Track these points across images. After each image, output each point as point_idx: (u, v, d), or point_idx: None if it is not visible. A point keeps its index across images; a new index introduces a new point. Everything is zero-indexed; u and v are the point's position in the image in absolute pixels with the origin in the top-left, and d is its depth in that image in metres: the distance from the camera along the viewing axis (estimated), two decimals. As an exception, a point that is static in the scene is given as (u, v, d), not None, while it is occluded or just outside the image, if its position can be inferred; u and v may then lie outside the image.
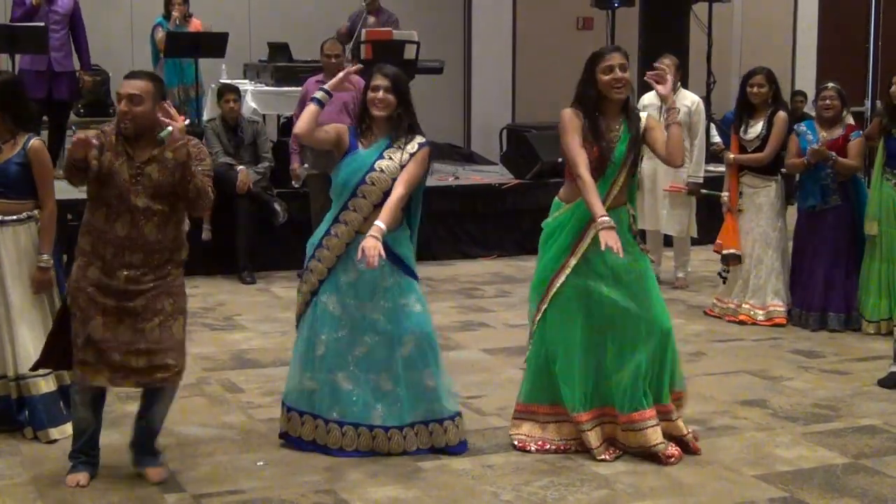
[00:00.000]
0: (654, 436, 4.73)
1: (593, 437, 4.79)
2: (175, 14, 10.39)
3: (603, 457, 4.75)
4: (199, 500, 4.35)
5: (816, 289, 7.21)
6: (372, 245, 4.47)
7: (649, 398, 4.77)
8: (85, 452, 4.56)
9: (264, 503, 4.33)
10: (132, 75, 4.44)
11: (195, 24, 10.54)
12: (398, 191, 4.67)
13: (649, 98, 8.23)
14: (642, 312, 4.76)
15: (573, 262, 4.76)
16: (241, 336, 6.98)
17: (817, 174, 7.18)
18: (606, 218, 4.58)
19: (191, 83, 10.44)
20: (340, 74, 4.86)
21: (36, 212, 5.00)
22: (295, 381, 4.93)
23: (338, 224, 4.77)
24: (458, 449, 4.89)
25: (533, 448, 4.87)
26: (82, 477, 4.49)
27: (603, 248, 4.54)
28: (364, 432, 4.80)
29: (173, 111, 4.36)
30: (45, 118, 9.80)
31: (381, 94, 4.74)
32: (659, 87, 4.84)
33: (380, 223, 4.55)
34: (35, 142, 4.94)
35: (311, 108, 4.78)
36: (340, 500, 4.35)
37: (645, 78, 4.93)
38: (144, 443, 4.60)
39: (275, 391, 5.79)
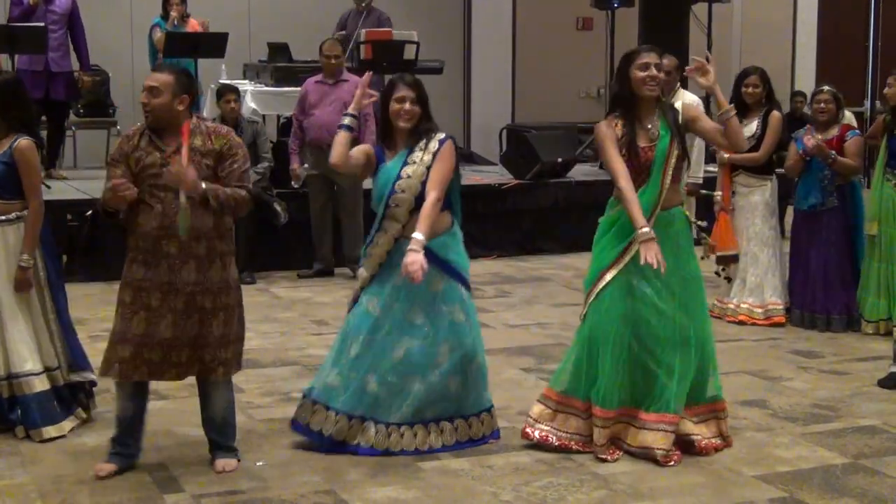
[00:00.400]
0: (663, 440, 4.73)
1: (602, 436, 4.78)
2: (173, 14, 10.39)
3: (604, 456, 4.75)
4: (198, 500, 4.35)
5: (816, 290, 7.22)
6: (412, 260, 4.54)
7: (676, 403, 4.76)
8: (120, 442, 4.64)
9: (264, 503, 4.34)
10: (158, 68, 4.62)
11: (193, 24, 10.53)
12: (430, 196, 4.71)
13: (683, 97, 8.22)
14: (682, 317, 4.77)
15: (624, 259, 4.75)
16: (240, 336, 6.98)
17: (816, 175, 7.19)
18: (646, 230, 4.60)
19: None
20: (359, 92, 4.90)
21: (25, 212, 4.95)
22: (322, 375, 4.97)
23: (379, 233, 4.84)
24: (483, 441, 4.94)
25: (537, 436, 4.86)
26: (105, 467, 4.58)
27: (642, 262, 4.59)
28: (381, 429, 4.82)
29: (184, 137, 4.43)
30: (43, 119, 9.83)
31: (407, 105, 4.78)
32: (701, 80, 4.82)
33: (417, 235, 4.61)
34: (21, 141, 4.92)
35: (341, 135, 4.84)
36: (340, 501, 4.36)
37: (685, 72, 4.92)
38: (213, 436, 4.72)
39: (275, 391, 5.80)
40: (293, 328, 7.26)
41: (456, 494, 4.43)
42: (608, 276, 4.76)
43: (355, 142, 5.01)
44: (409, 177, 4.77)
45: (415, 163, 4.79)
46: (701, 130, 4.93)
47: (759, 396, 5.75)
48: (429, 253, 4.66)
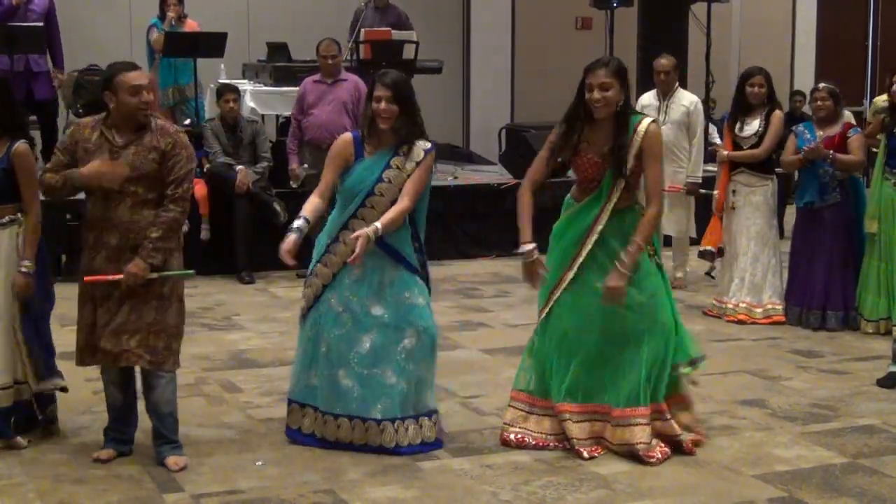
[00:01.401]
0: (641, 434, 4.73)
1: (576, 429, 4.80)
2: (170, 14, 10.37)
3: (581, 450, 4.75)
4: (198, 500, 4.35)
5: (815, 287, 7.22)
6: (359, 234, 4.59)
7: (645, 396, 4.77)
8: (115, 429, 4.76)
9: (263, 503, 4.34)
10: (129, 67, 4.64)
11: (190, 25, 10.52)
12: (404, 202, 4.73)
13: (648, 98, 8.25)
14: (643, 310, 4.77)
15: (570, 275, 4.81)
16: (239, 336, 6.98)
17: (815, 171, 7.19)
18: (528, 248, 4.86)
19: (186, 83, 10.42)
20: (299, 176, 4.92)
21: (18, 215, 4.88)
22: (297, 378, 4.99)
23: (346, 231, 4.79)
24: (435, 445, 4.90)
25: (512, 439, 4.89)
26: (105, 453, 4.70)
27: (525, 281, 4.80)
28: (358, 424, 4.82)
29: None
30: (32, 119, 9.79)
31: (383, 104, 4.73)
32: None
33: (377, 224, 4.63)
34: (19, 146, 4.85)
35: (291, 238, 4.71)
36: (340, 501, 4.36)
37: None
38: (158, 430, 4.73)
39: (273, 391, 5.80)
40: (292, 328, 7.20)
41: (456, 494, 4.43)
42: (562, 287, 4.82)
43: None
44: (389, 182, 4.76)
45: (398, 168, 4.77)
46: (643, 173, 4.77)
47: (758, 396, 5.75)
48: (383, 244, 4.71)
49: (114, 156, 4.55)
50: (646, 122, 4.76)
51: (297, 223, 4.75)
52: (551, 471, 4.66)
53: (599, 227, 4.77)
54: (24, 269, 4.82)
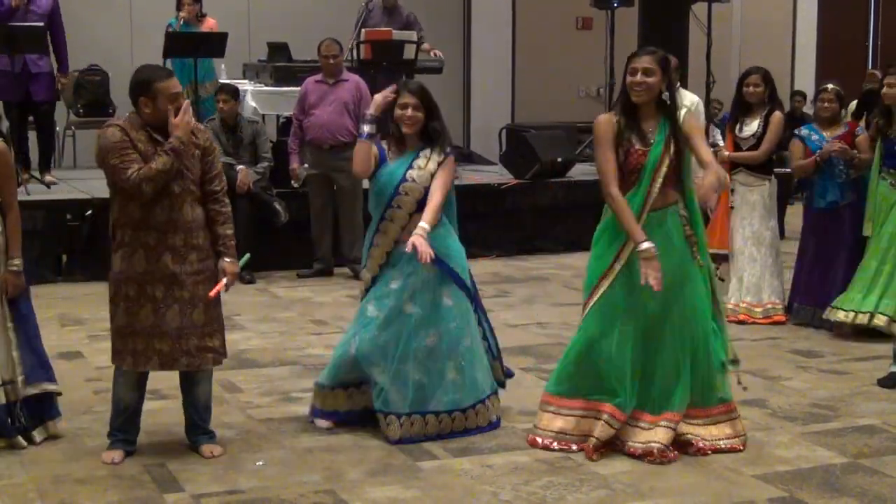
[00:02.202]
0: (664, 436, 4.73)
1: (604, 432, 4.76)
2: (182, 14, 10.38)
3: (591, 455, 4.73)
4: (198, 500, 4.35)
5: (837, 287, 7.17)
6: (421, 242, 4.74)
7: (680, 403, 4.77)
8: (123, 430, 4.77)
9: (263, 503, 4.34)
10: (167, 73, 4.71)
11: (209, 24, 10.52)
12: (437, 196, 4.90)
13: (685, 98, 8.23)
14: (680, 317, 4.77)
15: (618, 267, 4.76)
16: (240, 336, 6.98)
17: (833, 171, 7.18)
18: (647, 245, 4.60)
19: (203, 81, 10.40)
20: (379, 99, 5.03)
21: None
22: (330, 371, 5.15)
23: (378, 234, 5.01)
24: (482, 430, 5.07)
25: (556, 446, 4.86)
26: (117, 454, 4.70)
27: (642, 282, 4.60)
28: (446, 417, 5.01)
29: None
30: (30, 119, 9.79)
31: (409, 111, 4.95)
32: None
33: (423, 224, 4.81)
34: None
35: (364, 145, 4.99)
36: (340, 501, 4.36)
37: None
38: (196, 423, 4.83)
39: (274, 391, 5.80)
40: (293, 328, 7.26)
41: (456, 494, 4.43)
42: (605, 284, 4.77)
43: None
44: (413, 181, 4.94)
45: (420, 168, 4.96)
46: (690, 147, 4.80)
47: (758, 396, 5.75)
48: (438, 262, 4.88)
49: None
50: (684, 111, 4.84)
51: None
52: (551, 471, 4.66)
53: (647, 212, 4.71)
54: (14, 268, 4.79)
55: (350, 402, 5.13)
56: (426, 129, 4.99)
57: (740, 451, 4.86)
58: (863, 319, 6.81)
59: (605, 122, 4.80)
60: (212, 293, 4.64)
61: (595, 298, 4.80)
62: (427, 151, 5.00)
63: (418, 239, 4.74)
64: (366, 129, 4.99)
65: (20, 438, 4.85)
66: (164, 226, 4.57)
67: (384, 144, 5.11)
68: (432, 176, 4.94)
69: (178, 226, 4.59)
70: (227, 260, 4.71)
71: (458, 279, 5.04)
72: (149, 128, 4.60)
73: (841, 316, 6.91)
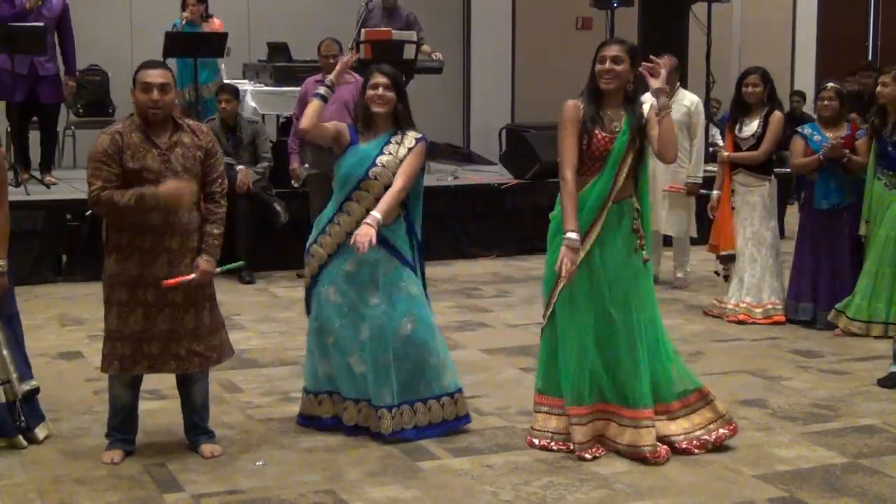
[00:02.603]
0: (648, 436, 4.73)
1: (580, 433, 4.78)
2: (185, 14, 10.38)
3: (584, 454, 4.75)
4: (198, 500, 4.35)
5: (842, 289, 7.17)
6: (364, 233, 4.71)
7: (646, 398, 4.77)
8: (121, 430, 4.76)
9: (263, 503, 4.34)
10: (151, 65, 4.66)
11: (214, 25, 10.51)
12: (398, 183, 4.87)
13: (648, 98, 8.23)
14: (634, 313, 4.77)
15: (581, 254, 4.73)
16: (240, 336, 6.98)
17: (834, 172, 7.18)
18: (575, 237, 4.63)
19: (206, 82, 10.39)
20: (339, 67, 5.14)
21: None
22: (312, 370, 5.11)
23: (341, 213, 4.95)
24: (458, 423, 5.05)
25: (555, 447, 4.85)
26: (116, 455, 4.70)
27: (556, 266, 4.63)
28: (364, 407, 4.98)
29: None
30: (33, 120, 9.78)
31: (380, 90, 4.94)
32: (651, 80, 4.80)
33: (375, 213, 4.77)
34: None
35: (315, 103, 5.00)
36: (340, 501, 4.36)
37: (639, 69, 4.89)
38: (195, 423, 4.84)
39: (274, 391, 5.80)
40: (292, 328, 7.25)
41: (456, 494, 4.43)
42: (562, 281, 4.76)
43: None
44: (383, 166, 4.90)
45: (391, 154, 4.92)
46: (649, 136, 4.82)
47: (758, 396, 5.75)
48: (380, 239, 4.80)
49: (162, 158, 4.55)
50: (647, 106, 4.83)
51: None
52: (551, 471, 4.66)
53: (611, 201, 4.72)
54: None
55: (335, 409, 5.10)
56: (396, 112, 4.95)
57: (729, 435, 4.86)
58: (878, 331, 6.87)
59: (572, 107, 4.81)
60: (169, 282, 4.54)
61: (557, 292, 4.79)
62: (399, 136, 4.95)
63: (365, 230, 4.70)
64: (321, 90, 5.02)
65: (21, 438, 4.85)
66: (162, 228, 4.55)
67: (358, 128, 5.04)
68: (402, 162, 4.90)
69: (175, 229, 4.57)
70: (205, 258, 4.63)
71: (410, 264, 4.99)
72: (145, 126, 4.58)
73: (855, 328, 6.96)
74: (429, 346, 4.98)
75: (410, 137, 4.97)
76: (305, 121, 4.97)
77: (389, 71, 5.00)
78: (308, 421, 5.14)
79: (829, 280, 7.25)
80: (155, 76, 4.56)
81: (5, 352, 4.84)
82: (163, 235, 4.56)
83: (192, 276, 4.59)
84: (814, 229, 7.37)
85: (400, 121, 4.97)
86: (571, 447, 4.82)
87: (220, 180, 4.73)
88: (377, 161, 4.89)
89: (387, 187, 4.86)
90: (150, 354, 4.60)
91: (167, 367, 4.66)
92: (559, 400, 4.90)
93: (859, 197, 7.15)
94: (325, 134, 5.02)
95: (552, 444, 4.88)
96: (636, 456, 4.73)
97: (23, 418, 4.85)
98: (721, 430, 4.88)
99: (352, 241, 4.74)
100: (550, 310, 4.86)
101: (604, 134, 4.76)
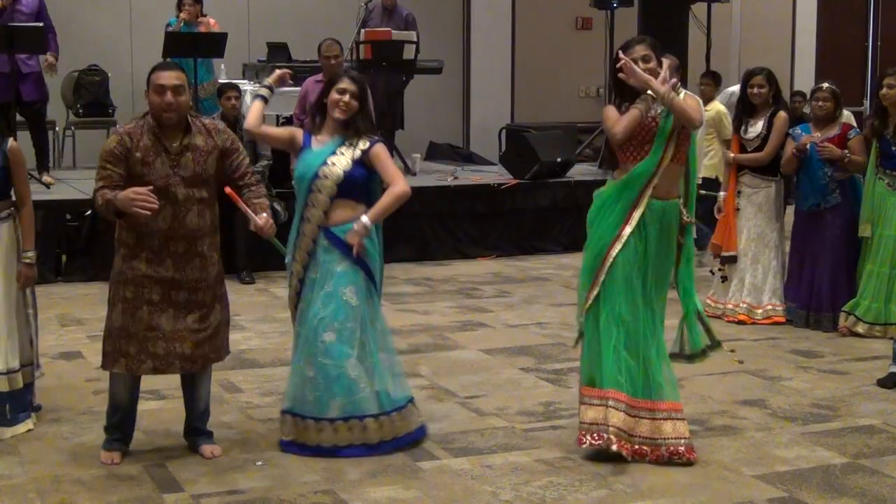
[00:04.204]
0: (684, 429, 4.72)
1: (620, 419, 4.65)
2: (182, 15, 10.37)
3: (616, 448, 4.62)
4: (198, 500, 4.35)
5: (823, 289, 7.19)
6: (357, 241, 4.78)
7: (670, 392, 4.76)
8: (120, 429, 4.76)
9: (263, 503, 4.34)
10: (165, 66, 4.66)
11: (209, 24, 10.50)
12: (398, 185, 4.87)
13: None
14: (652, 311, 4.79)
15: (628, 230, 4.71)
16: (240, 336, 6.98)
17: (815, 174, 7.18)
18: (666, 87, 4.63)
19: (202, 81, 10.38)
20: (277, 72, 5.20)
21: (12, 209, 4.97)
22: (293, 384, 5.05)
23: (303, 223, 4.95)
24: (416, 434, 4.95)
25: (594, 440, 4.69)
26: (116, 455, 4.70)
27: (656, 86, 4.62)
28: (299, 422, 4.90)
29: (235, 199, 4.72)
30: (20, 120, 9.74)
31: (346, 97, 4.89)
32: (631, 81, 4.71)
33: (365, 220, 4.79)
34: (13, 143, 4.94)
35: (256, 104, 5.08)
36: (339, 501, 4.36)
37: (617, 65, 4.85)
38: (195, 425, 4.84)
39: (274, 391, 5.80)
40: (292, 328, 7.24)
41: (456, 494, 4.43)
42: (615, 250, 4.70)
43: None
44: (333, 164, 4.86)
45: (343, 154, 4.89)
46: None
47: (758, 396, 5.75)
48: (333, 237, 4.84)
49: (171, 162, 4.53)
50: (683, 93, 4.84)
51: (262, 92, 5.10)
52: (551, 471, 4.66)
53: (657, 177, 4.70)
54: (27, 261, 4.94)
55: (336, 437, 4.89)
56: (353, 121, 4.91)
57: (684, 456, 4.69)
58: (882, 332, 6.87)
59: (612, 107, 4.84)
60: (230, 191, 4.63)
61: (606, 267, 4.71)
62: (353, 139, 4.90)
63: (360, 228, 4.76)
64: (262, 91, 5.08)
65: (22, 424, 4.97)
66: (167, 232, 4.54)
67: (312, 126, 5.03)
68: (353, 161, 4.83)
69: (179, 234, 4.55)
70: (263, 216, 4.70)
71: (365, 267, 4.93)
72: (157, 129, 4.55)
73: (861, 330, 6.96)
74: (350, 360, 4.84)
75: (365, 140, 4.91)
76: (248, 120, 5.04)
77: (359, 79, 4.98)
78: (287, 444, 4.98)
79: (814, 281, 7.24)
80: (169, 78, 4.54)
81: (35, 339, 5.05)
82: (168, 239, 4.55)
83: (257, 216, 4.65)
84: (798, 230, 7.39)
85: (358, 129, 4.92)
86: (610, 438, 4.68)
87: (248, 175, 4.75)
88: (328, 161, 4.87)
89: (339, 185, 4.81)
90: (154, 354, 4.59)
91: (172, 367, 4.65)
92: (592, 390, 4.75)
93: (846, 197, 7.15)
94: (273, 135, 5.15)
95: (586, 435, 4.68)
96: (671, 453, 4.66)
97: (34, 403, 5.02)
98: (677, 447, 4.72)
99: (346, 238, 4.77)
100: (591, 300, 4.76)
101: (650, 115, 4.74)
